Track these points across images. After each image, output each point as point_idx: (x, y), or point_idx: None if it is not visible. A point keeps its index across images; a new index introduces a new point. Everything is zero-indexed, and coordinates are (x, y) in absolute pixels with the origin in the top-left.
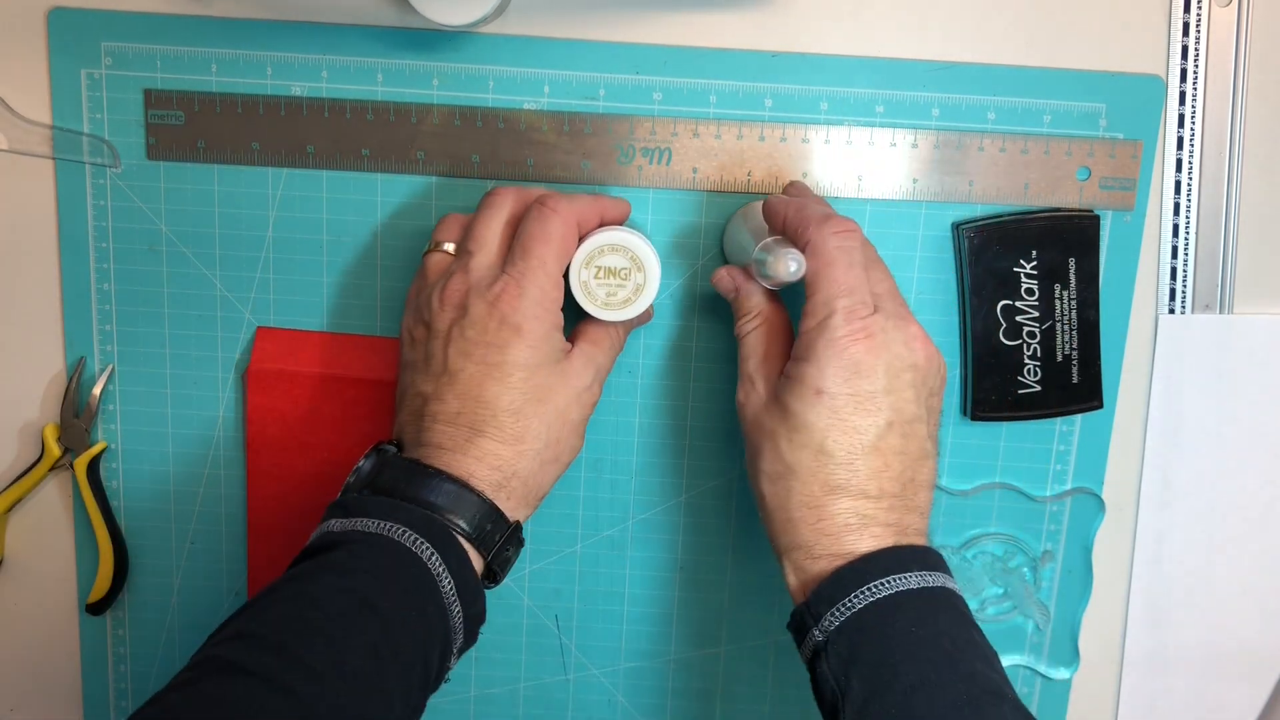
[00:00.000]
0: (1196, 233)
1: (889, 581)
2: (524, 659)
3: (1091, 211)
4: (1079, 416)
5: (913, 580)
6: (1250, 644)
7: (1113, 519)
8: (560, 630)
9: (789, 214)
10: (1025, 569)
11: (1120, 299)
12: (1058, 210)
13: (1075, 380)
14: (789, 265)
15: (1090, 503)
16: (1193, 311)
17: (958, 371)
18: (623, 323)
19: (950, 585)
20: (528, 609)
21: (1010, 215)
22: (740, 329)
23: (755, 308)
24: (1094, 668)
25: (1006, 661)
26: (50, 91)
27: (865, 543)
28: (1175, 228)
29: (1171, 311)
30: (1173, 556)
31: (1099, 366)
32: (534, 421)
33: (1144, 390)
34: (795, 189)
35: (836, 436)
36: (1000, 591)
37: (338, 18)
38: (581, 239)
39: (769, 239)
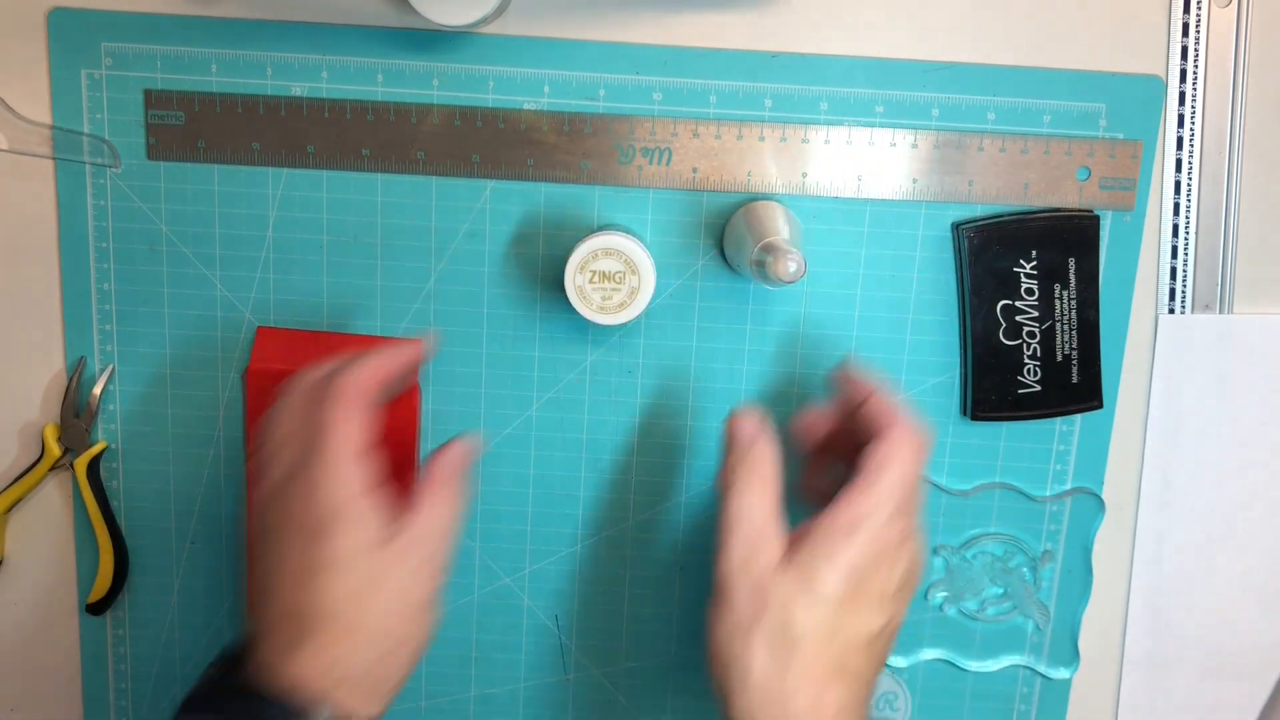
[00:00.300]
0: (1196, 233)
1: None
2: (524, 659)
3: (1091, 211)
4: (1079, 416)
5: None
6: (1250, 643)
7: (1112, 519)
8: (560, 630)
9: (870, 401)
10: (1025, 569)
11: (1120, 299)
12: (1058, 210)
13: (1075, 380)
14: (789, 265)
15: (1090, 503)
16: (1192, 311)
17: (958, 371)
18: (453, 481)
19: None
20: (528, 609)
21: (1010, 215)
22: (731, 478)
23: (762, 456)
24: (1094, 667)
25: (1006, 662)
26: (50, 91)
27: None
28: (1175, 228)
29: (1171, 311)
30: (1172, 556)
31: (1099, 366)
32: (366, 613)
33: (1144, 390)
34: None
35: (852, 614)
36: (1000, 591)
37: (338, 18)
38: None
39: (769, 239)
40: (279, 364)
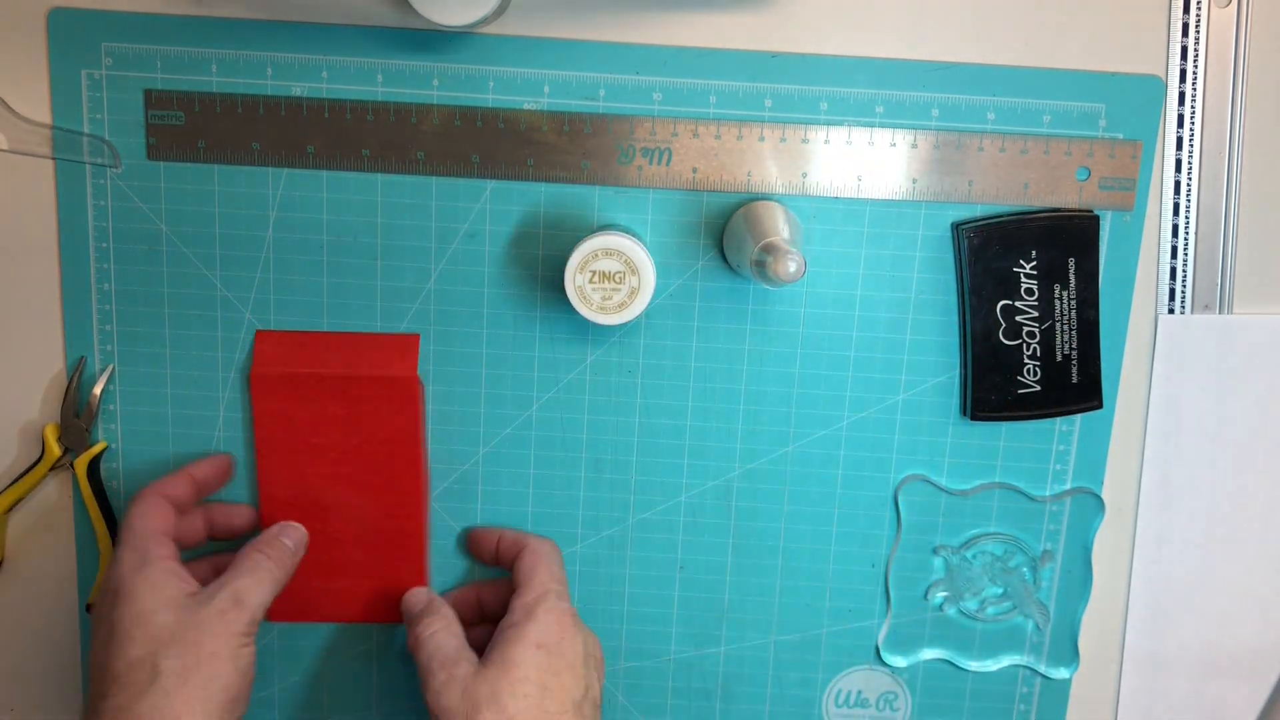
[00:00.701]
0: (1196, 233)
1: None
2: None
3: (1091, 212)
4: (1079, 416)
5: None
6: (1250, 644)
7: (1113, 519)
8: None
9: (502, 537)
10: (1025, 569)
11: (1120, 299)
12: (1057, 210)
13: (1075, 380)
14: (789, 266)
15: (1090, 502)
16: (1192, 311)
17: (958, 371)
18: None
19: None
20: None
21: (1010, 215)
22: (424, 630)
23: (438, 608)
24: (1094, 668)
25: (1006, 661)
26: (50, 91)
27: None
28: (1175, 228)
29: (1171, 311)
30: (1172, 556)
31: (1099, 366)
32: (160, 660)
33: (1144, 390)
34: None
35: (553, 688)
36: (1000, 591)
37: (338, 18)
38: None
39: (769, 239)
40: (281, 367)
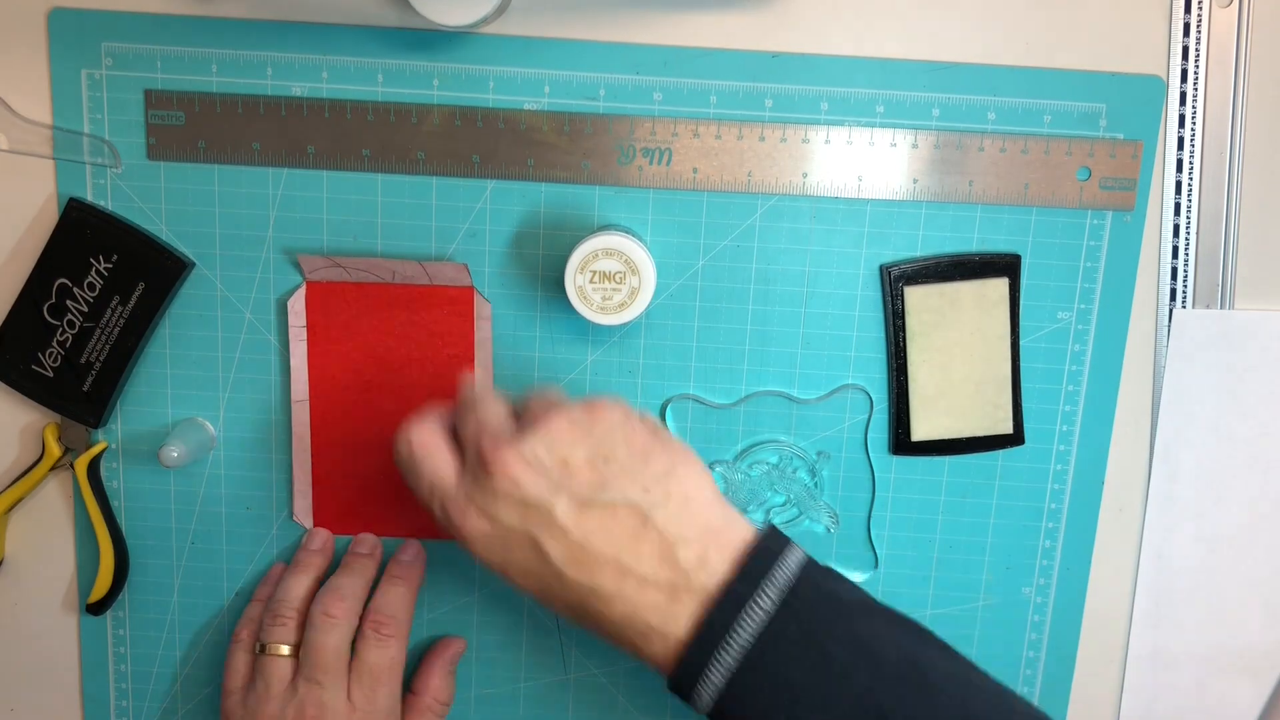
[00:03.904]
0: (1197, 232)
1: None
2: (524, 659)
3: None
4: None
5: None
6: (1255, 641)
7: (1117, 516)
8: (560, 630)
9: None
10: (803, 473)
11: (1120, 299)
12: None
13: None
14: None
15: (858, 397)
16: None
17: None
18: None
19: None
20: (528, 609)
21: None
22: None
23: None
24: (1097, 663)
25: None
26: (50, 91)
27: None
28: (1176, 228)
29: (1185, 308)
30: (1177, 553)
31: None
32: None
33: (1148, 389)
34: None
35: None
36: (783, 499)
37: (338, 18)
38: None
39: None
40: (328, 314)
